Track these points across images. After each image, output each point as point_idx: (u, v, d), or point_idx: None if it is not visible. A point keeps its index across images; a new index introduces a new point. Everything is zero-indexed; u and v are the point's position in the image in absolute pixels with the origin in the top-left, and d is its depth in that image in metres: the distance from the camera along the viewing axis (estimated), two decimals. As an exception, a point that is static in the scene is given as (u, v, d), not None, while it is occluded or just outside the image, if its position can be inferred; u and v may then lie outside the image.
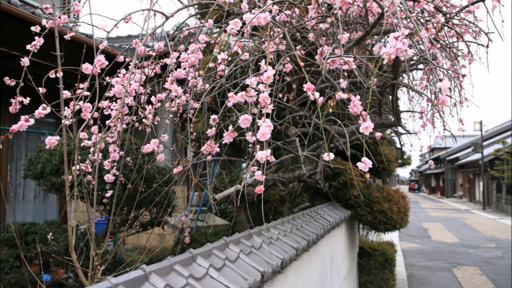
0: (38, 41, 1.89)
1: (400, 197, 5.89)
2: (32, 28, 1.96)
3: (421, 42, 1.77)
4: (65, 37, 1.97)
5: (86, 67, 1.89)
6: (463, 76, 2.74)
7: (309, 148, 4.25)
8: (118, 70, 2.16)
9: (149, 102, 2.43)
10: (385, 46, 1.49)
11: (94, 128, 2.21)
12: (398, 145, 6.34)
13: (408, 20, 1.66)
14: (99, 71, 1.92)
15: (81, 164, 2.06)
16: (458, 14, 2.22)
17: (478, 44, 2.39)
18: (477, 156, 27.73)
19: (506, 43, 2.33)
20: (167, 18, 2.26)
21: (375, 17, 2.23)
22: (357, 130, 3.24)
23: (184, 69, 2.24)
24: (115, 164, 2.26)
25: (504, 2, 2.26)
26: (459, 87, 2.79)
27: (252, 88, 1.63)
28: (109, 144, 2.20)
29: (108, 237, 2.46)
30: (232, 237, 2.12)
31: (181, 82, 2.36)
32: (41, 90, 1.91)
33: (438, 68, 2.29)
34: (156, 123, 2.33)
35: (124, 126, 2.27)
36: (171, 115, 2.85)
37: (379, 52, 1.51)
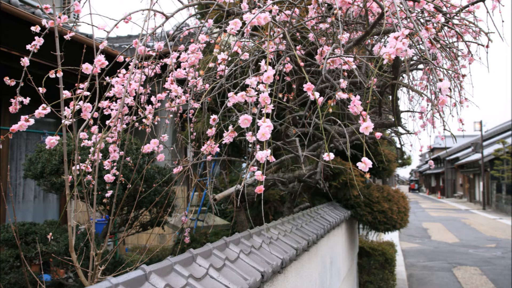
0: (38, 41, 1.89)
1: (400, 197, 5.89)
2: (32, 28, 1.96)
3: (421, 42, 1.77)
4: (65, 37, 1.97)
5: (86, 67, 1.89)
6: (463, 76, 2.74)
7: (309, 148, 4.25)
8: (118, 70, 2.16)
9: (149, 102, 2.43)
10: (385, 46, 1.49)
11: (94, 128, 2.21)
12: (398, 145, 6.34)
13: (408, 20, 1.66)
14: (99, 71, 1.92)
15: (81, 164, 2.06)
16: (458, 14, 2.22)
17: (478, 44, 2.39)
18: (477, 156, 27.73)
19: (506, 43, 2.33)
20: (167, 18, 2.26)
21: (375, 17, 2.23)
22: (357, 130, 3.24)
23: (184, 69, 2.24)
24: (115, 164, 2.26)
25: (504, 2, 2.26)
26: (459, 87, 2.79)
27: (252, 88, 1.63)
28: (109, 144, 2.20)
29: (108, 237, 2.46)
30: (232, 237, 2.12)
31: (181, 82, 2.36)
32: (41, 90, 1.91)
33: (438, 68, 2.29)
34: (156, 123, 2.33)
35: (124, 126, 2.27)
36: (171, 115, 2.85)
37: (379, 52, 1.51)
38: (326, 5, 2.22)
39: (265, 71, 1.47)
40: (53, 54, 1.86)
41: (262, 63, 1.61)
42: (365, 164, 1.43)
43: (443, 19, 1.93)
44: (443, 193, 42.64)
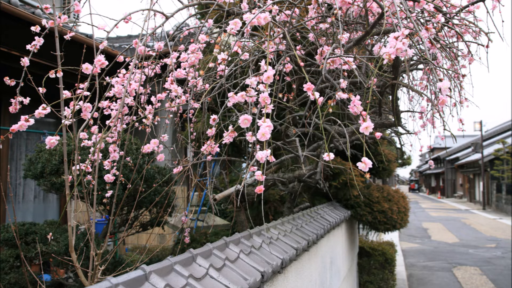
0: (38, 41, 1.89)
1: (400, 197, 5.89)
2: (32, 28, 1.96)
3: (421, 42, 1.77)
4: (65, 37, 1.97)
5: (86, 67, 1.89)
6: (463, 76, 2.74)
7: (309, 148, 4.25)
8: (118, 70, 2.16)
9: (149, 102, 2.43)
10: (385, 46, 1.49)
11: (94, 128, 2.21)
12: (398, 145, 6.34)
13: (408, 20, 1.66)
14: (99, 71, 1.92)
15: (81, 164, 2.06)
16: (458, 14, 2.22)
17: (478, 44, 2.39)
18: (477, 156, 27.73)
19: (506, 43, 2.33)
20: (167, 18, 2.26)
21: (375, 17, 2.23)
22: (357, 130, 3.24)
23: (184, 69, 2.24)
24: (115, 164, 2.26)
25: (504, 2, 2.26)
26: (459, 87, 2.79)
27: (252, 88, 1.63)
28: (109, 144, 2.20)
29: (108, 237, 2.46)
30: (232, 237, 2.12)
31: (181, 82, 2.36)
32: (41, 90, 1.91)
33: (438, 68, 2.29)
34: (156, 123, 2.33)
35: (124, 126, 2.27)
36: (171, 115, 2.85)
37: (379, 52, 1.51)
38: (326, 5, 2.22)
39: (265, 71, 1.47)
40: (53, 54, 1.86)
41: (262, 63, 1.61)
42: (365, 164, 1.43)
43: (443, 19, 1.93)
44: (443, 193, 42.64)
